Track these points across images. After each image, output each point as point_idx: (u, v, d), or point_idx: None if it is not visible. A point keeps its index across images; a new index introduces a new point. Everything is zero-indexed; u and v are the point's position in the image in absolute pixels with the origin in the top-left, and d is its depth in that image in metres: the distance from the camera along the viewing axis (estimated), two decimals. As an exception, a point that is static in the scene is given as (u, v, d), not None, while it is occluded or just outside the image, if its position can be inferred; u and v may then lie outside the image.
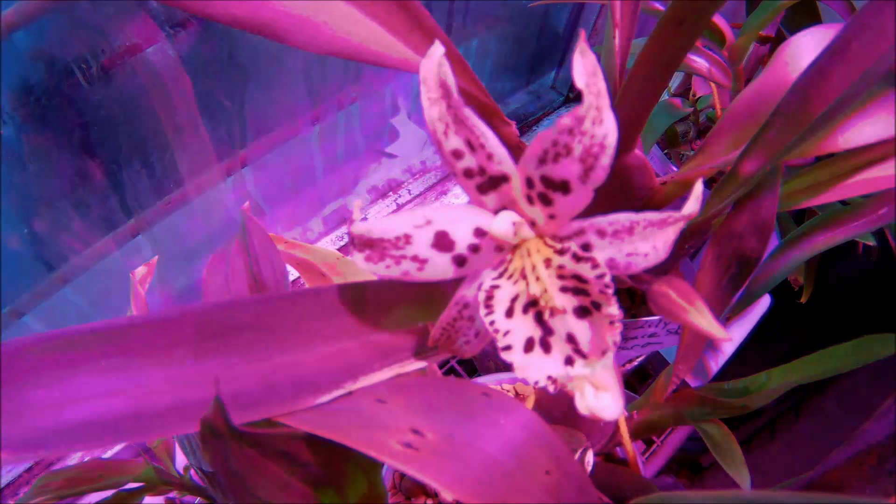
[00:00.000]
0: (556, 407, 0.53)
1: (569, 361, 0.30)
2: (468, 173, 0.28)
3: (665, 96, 1.01)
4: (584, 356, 0.30)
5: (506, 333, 0.30)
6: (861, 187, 0.45)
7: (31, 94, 0.63)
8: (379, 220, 0.29)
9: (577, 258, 0.29)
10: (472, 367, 1.00)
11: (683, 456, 1.41)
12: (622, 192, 0.45)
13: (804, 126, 0.38)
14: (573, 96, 1.33)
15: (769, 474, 1.28)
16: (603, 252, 0.29)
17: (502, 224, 0.29)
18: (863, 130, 0.42)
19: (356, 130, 1.06)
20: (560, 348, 0.30)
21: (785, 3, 0.67)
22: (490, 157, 0.28)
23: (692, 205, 0.28)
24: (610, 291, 0.28)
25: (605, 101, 0.25)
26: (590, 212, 0.29)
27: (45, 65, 0.63)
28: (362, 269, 0.29)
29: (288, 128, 0.94)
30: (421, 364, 0.34)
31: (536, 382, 0.30)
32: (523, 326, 0.30)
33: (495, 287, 0.30)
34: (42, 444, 0.28)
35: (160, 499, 0.57)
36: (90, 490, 0.50)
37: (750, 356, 1.10)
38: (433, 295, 0.35)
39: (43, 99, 0.64)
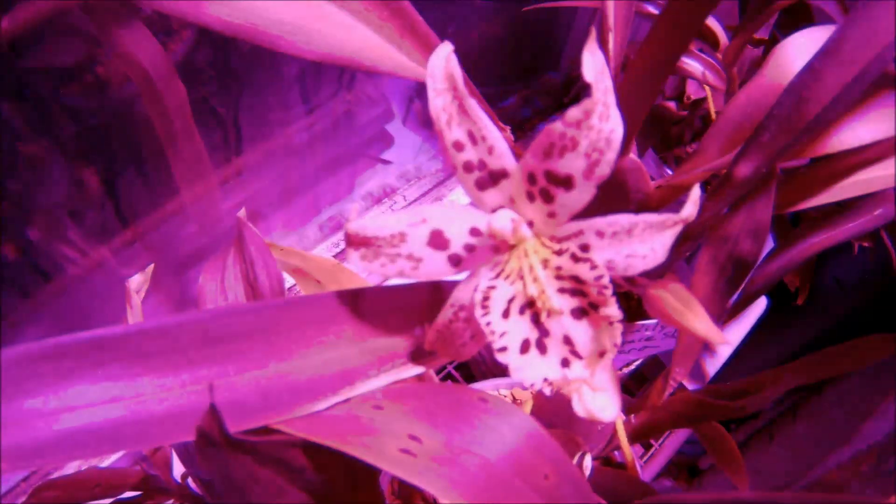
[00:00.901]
0: (554, 411, 0.53)
1: (565, 363, 0.30)
2: (468, 167, 0.28)
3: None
4: (580, 358, 0.30)
5: (502, 335, 0.30)
6: (856, 188, 0.45)
7: (26, 102, 0.63)
8: (374, 218, 0.29)
9: (575, 259, 0.29)
10: (470, 373, 1.00)
11: (681, 459, 1.41)
12: (617, 195, 0.45)
13: (799, 128, 0.38)
14: (567, 102, 1.33)
15: (767, 476, 1.28)
16: (602, 253, 0.29)
17: (501, 220, 0.29)
18: (857, 131, 0.42)
19: (351, 137, 1.06)
20: (556, 350, 0.30)
21: (778, 4, 0.68)
22: (491, 150, 0.28)
23: (690, 208, 0.28)
24: (608, 292, 0.28)
25: (612, 99, 0.25)
26: (585, 215, 0.29)
27: (39, 73, 0.63)
28: (358, 267, 0.30)
29: (282, 135, 0.94)
30: (418, 369, 0.33)
31: (532, 385, 0.30)
32: (519, 328, 0.30)
33: (492, 288, 0.30)
34: (40, 452, 0.27)
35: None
36: (87, 499, 0.50)
37: (747, 358, 1.10)
38: (428, 301, 0.35)
39: (38, 107, 0.64)
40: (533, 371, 0.30)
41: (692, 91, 1.01)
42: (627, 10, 0.43)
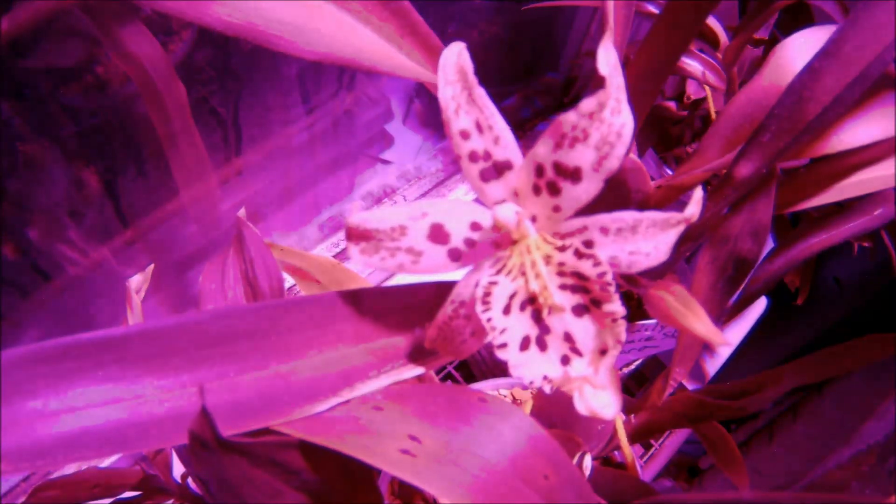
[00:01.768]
0: (554, 411, 0.53)
1: (565, 360, 0.30)
2: (473, 156, 0.28)
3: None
4: (580, 355, 0.30)
5: (502, 331, 0.30)
6: (856, 188, 0.45)
7: (26, 102, 0.63)
8: (374, 211, 0.29)
9: (579, 255, 0.29)
10: (470, 374, 1.00)
11: (681, 459, 1.41)
12: (617, 195, 0.45)
13: (799, 128, 0.38)
14: (567, 101, 1.33)
15: (767, 476, 1.28)
16: (605, 250, 0.29)
17: (505, 211, 0.29)
18: (857, 132, 0.42)
19: (351, 137, 1.06)
20: (556, 347, 0.30)
21: (779, 4, 0.68)
22: (497, 140, 0.28)
23: (693, 208, 0.28)
24: (612, 288, 0.29)
25: (624, 95, 0.26)
26: (585, 214, 0.29)
27: (39, 73, 0.63)
28: (358, 261, 0.29)
29: (282, 135, 0.94)
30: (418, 370, 0.33)
31: (532, 382, 0.30)
32: (520, 324, 0.30)
33: (493, 283, 0.30)
34: (40, 454, 0.27)
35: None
36: (87, 499, 0.50)
37: (747, 358, 1.10)
38: (428, 301, 0.35)
39: (38, 107, 0.64)
40: (532, 368, 0.30)
41: (692, 91, 1.01)
42: (627, 10, 0.43)
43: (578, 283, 0.29)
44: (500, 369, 0.86)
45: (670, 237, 0.29)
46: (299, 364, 0.32)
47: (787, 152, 0.39)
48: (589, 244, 0.29)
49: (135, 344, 0.30)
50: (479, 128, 0.28)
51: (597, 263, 0.28)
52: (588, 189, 0.27)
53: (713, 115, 0.92)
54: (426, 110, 1.20)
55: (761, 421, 1.45)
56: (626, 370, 1.02)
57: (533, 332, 0.30)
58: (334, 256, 1.08)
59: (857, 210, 0.56)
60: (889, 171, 0.45)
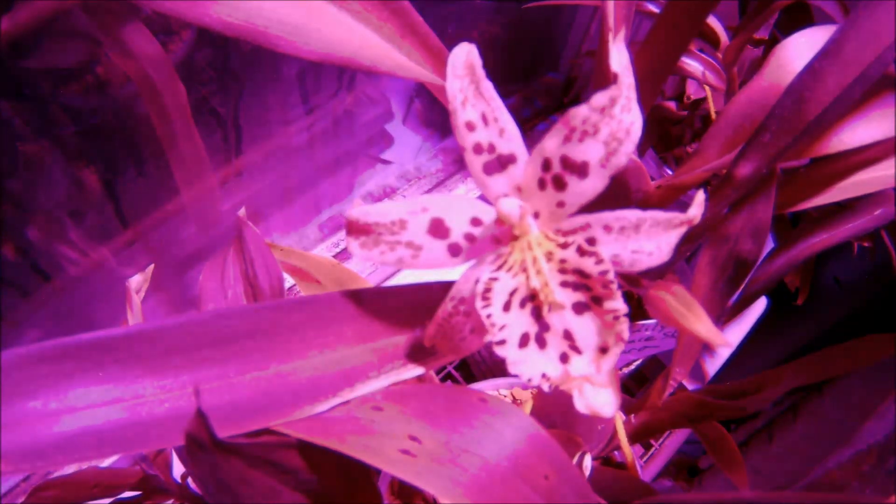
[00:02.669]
0: (554, 411, 0.53)
1: (564, 358, 0.30)
2: (478, 148, 0.29)
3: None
4: (579, 353, 0.30)
5: (501, 328, 0.30)
6: (856, 188, 0.45)
7: (26, 102, 0.63)
8: (375, 205, 0.29)
9: (581, 252, 0.29)
10: (470, 374, 1.00)
11: (681, 459, 1.41)
12: (617, 195, 0.45)
13: (799, 128, 0.38)
14: (568, 101, 1.33)
15: (767, 476, 1.28)
16: (608, 248, 0.29)
17: (509, 204, 0.29)
18: (858, 132, 0.42)
19: (351, 137, 1.06)
20: (556, 344, 0.30)
21: (778, 4, 0.68)
22: (502, 132, 0.28)
23: (695, 210, 0.28)
24: (614, 287, 0.29)
25: (634, 94, 0.26)
26: (587, 212, 0.29)
27: (40, 73, 0.63)
28: (357, 255, 0.30)
29: (282, 134, 0.94)
30: (418, 370, 0.33)
31: (530, 380, 0.30)
32: (520, 321, 0.30)
33: (494, 279, 0.30)
34: (40, 454, 0.27)
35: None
36: (86, 499, 0.50)
37: (747, 358, 1.10)
38: (428, 300, 0.35)
39: (38, 107, 0.64)
40: (531, 366, 0.30)
41: (692, 91, 1.01)
42: (627, 10, 0.43)
43: (580, 281, 0.29)
44: (501, 369, 0.86)
45: (672, 238, 0.29)
46: (300, 364, 0.32)
47: (788, 152, 0.39)
48: (591, 242, 0.29)
49: (135, 344, 0.30)
50: (484, 120, 0.28)
51: (599, 261, 0.29)
52: (594, 185, 0.28)
53: (713, 115, 0.92)
54: (426, 110, 1.20)
55: (761, 421, 1.45)
56: (626, 370, 1.02)
57: (532, 329, 0.30)
58: (334, 256, 1.08)
59: (857, 210, 0.56)
60: (889, 171, 0.45)
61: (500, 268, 0.30)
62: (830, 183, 0.46)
